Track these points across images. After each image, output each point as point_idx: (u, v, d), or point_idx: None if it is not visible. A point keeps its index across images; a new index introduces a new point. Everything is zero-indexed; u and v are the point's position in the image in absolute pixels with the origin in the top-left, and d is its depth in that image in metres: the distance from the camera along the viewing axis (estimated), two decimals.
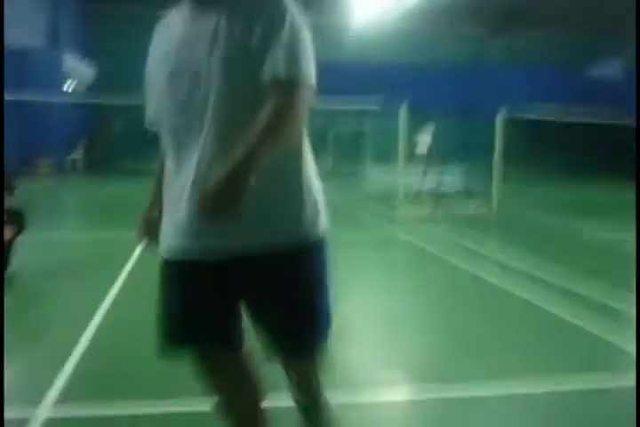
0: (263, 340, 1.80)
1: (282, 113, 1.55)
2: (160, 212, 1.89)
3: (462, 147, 19.35)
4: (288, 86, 1.57)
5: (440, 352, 3.57)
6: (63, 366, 3.03)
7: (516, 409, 2.86)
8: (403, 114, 9.59)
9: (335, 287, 1.83)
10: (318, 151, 1.80)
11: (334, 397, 2.20)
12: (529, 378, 3.15)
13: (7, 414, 2.42)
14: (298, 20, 1.63)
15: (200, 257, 1.73)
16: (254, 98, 1.60)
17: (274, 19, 1.59)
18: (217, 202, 1.50)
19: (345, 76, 19.90)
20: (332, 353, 1.98)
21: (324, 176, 1.89)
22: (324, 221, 1.82)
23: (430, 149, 11.96)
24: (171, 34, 1.76)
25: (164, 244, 1.83)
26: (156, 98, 1.81)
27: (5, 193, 4.87)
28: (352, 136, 28.14)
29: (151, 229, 1.96)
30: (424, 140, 24.92)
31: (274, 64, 1.57)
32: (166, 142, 1.82)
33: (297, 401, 2.16)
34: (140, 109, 1.98)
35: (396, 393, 3.00)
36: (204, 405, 1.96)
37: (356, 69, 22.71)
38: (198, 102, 1.66)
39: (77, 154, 19.63)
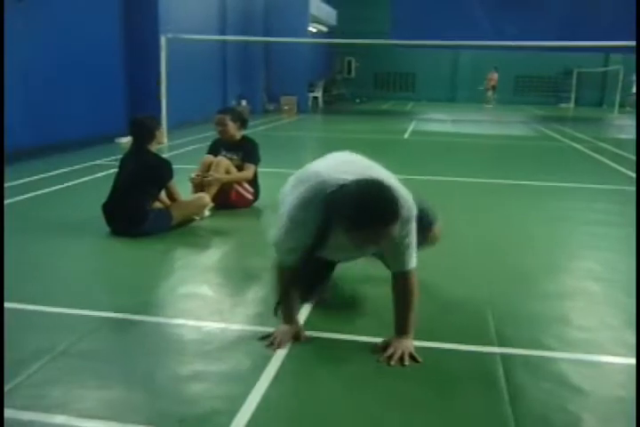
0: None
1: (412, 289, 2.47)
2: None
3: None
4: (407, 273, 2.46)
5: None
6: None
7: None
8: None
9: None
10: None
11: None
12: None
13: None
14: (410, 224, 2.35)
15: None
16: None
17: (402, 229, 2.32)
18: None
19: None
20: None
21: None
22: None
23: None
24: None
25: None
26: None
27: (242, 127, 5.08)
28: (598, 76, 25.75)
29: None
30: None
31: (399, 264, 2.44)
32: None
33: None
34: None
35: None
36: None
37: None
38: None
39: (317, 92, 20.72)
